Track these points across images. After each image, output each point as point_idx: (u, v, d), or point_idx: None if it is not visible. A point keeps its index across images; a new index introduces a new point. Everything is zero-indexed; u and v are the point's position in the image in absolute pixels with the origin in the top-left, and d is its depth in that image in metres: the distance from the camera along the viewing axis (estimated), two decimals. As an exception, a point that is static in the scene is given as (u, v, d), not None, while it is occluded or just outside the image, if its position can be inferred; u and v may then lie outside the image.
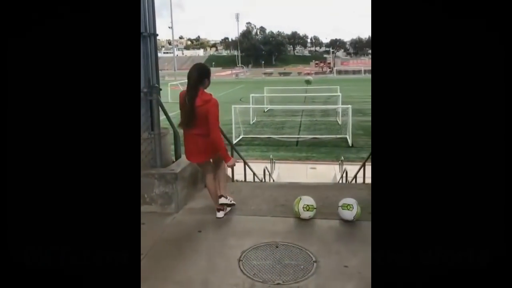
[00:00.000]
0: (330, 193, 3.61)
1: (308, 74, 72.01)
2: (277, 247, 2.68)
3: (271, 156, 12.64)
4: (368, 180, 6.12)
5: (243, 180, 6.38)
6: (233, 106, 17.49)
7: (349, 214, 3.01)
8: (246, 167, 6.48)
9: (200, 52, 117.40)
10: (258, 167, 9.09)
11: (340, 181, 8.63)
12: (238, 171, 6.83)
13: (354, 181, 7.12)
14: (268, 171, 8.92)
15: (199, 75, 2.89)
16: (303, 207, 3.08)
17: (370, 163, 4.64)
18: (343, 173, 8.34)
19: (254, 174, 7.10)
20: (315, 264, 2.43)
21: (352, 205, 3.02)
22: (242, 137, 17.36)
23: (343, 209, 3.03)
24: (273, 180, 9.72)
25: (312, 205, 3.09)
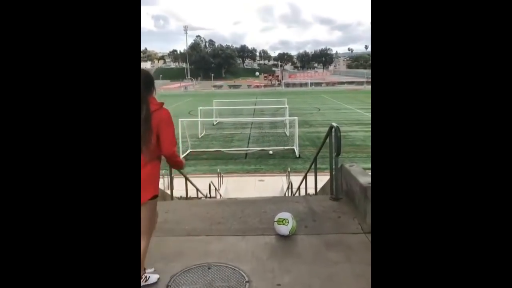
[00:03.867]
0: (268, 207, 3.57)
1: (258, 86, 73.18)
2: (209, 268, 2.56)
3: (218, 170, 12.48)
4: (310, 190, 6.20)
5: (185, 196, 6.18)
6: (180, 119, 17.13)
7: (284, 229, 2.97)
8: (188, 182, 6.29)
9: (148, 64, 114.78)
10: (206, 181, 8.90)
11: (287, 193, 8.71)
12: (179, 187, 6.62)
13: (298, 193, 7.21)
14: (214, 186, 8.76)
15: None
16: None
17: (313, 174, 4.55)
18: (288, 185, 8.42)
19: (197, 189, 6.92)
20: (247, 284, 2.34)
21: (287, 219, 2.98)
22: (190, 151, 17.03)
23: (278, 224, 2.99)
24: (220, 195, 9.57)
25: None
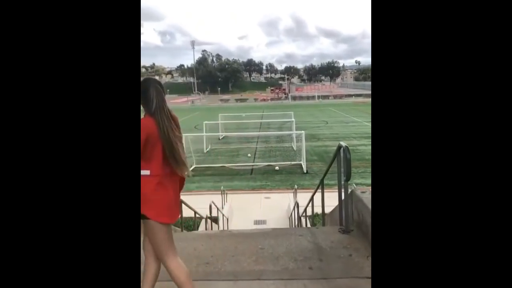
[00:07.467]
0: (266, 242, 3.05)
1: (264, 100, 73.10)
2: (189, 328, 2.05)
3: (222, 187, 11.97)
4: (316, 209, 5.63)
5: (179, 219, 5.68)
6: (184, 135, 16.76)
7: None
8: (189, 201, 5.79)
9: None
10: (208, 199, 8.37)
11: (293, 213, 8.16)
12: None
13: (304, 214, 6.67)
14: (216, 206, 8.24)
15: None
16: None
17: (321, 191, 3.96)
18: (294, 207, 7.87)
19: (195, 212, 6.42)
20: None
21: None
22: (195, 167, 16.59)
23: None
24: (223, 215, 9.04)
25: None
